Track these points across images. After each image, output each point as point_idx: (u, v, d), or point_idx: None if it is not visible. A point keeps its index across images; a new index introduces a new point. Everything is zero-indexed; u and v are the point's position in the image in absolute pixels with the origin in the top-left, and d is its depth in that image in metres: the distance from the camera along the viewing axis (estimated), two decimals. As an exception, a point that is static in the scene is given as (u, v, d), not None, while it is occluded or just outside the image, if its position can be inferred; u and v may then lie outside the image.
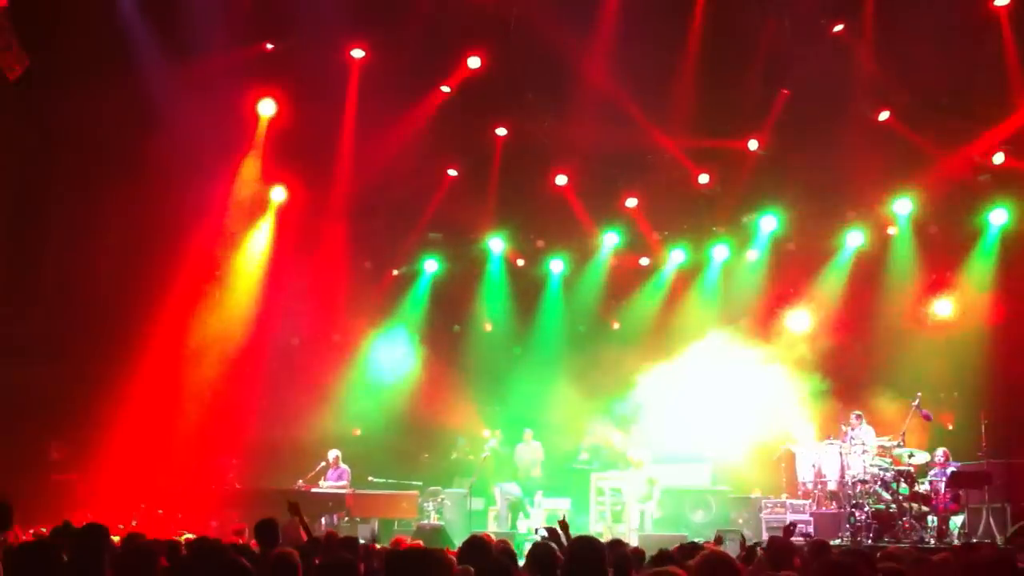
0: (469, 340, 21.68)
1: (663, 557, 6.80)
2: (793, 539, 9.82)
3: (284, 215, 19.16)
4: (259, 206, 18.92)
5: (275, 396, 18.39)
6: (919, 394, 16.18)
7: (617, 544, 8.20)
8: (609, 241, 21.16)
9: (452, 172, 20.17)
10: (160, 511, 16.32)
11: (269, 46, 17.12)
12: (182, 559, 7.51)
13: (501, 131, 19.78)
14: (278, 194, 19.13)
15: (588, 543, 5.80)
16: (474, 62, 18.16)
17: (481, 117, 19.30)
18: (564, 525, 8.03)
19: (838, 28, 17.53)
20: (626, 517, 17.54)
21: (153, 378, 17.33)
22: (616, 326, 21.70)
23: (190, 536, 10.86)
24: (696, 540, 8.83)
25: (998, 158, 17.85)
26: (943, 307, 18.88)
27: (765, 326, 19.63)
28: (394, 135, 18.23)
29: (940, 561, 6.94)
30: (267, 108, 17.91)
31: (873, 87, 17.77)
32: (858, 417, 16.77)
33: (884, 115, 18.14)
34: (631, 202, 20.71)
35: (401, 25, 17.37)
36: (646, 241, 21.24)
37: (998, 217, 18.30)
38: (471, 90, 18.52)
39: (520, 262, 21.85)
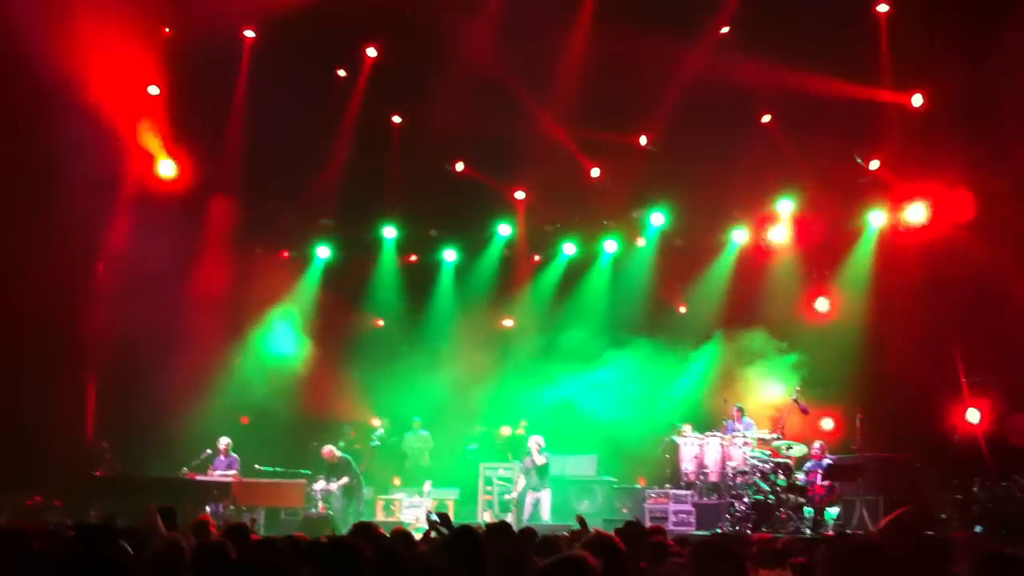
0: (359, 328, 21.48)
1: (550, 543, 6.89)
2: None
3: (172, 195, 18.60)
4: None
5: (158, 380, 17.83)
6: (797, 388, 16.79)
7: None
8: (502, 232, 21.23)
9: (346, 157, 19.94)
10: (37, 498, 15.70)
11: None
12: (63, 544, 7.22)
13: (396, 119, 19.68)
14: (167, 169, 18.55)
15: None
16: (371, 52, 18.27)
17: (377, 104, 19.16)
18: (444, 518, 8.42)
19: (724, 30, 18.02)
20: (514, 506, 17.66)
21: (28, 358, 16.69)
22: (508, 317, 21.74)
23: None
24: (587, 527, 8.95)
25: (873, 164, 18.56)
26: (822, 304, 19.48)
27: (656, 318, 20.03)
28: (287, 118, 17.91)
29: None
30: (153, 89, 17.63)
31: (757, 89, 18.22)
32: (739, 410, 17.27)
33: (766, 118, 18.74)
34: (520, 195, 20.86)
35: (297, 8, 17.14)
36: (537, 233, 21.37)
37: (876, 219, 18.99)
38: (366, 76, 18.43)
39: (413, 257, 21.75)
